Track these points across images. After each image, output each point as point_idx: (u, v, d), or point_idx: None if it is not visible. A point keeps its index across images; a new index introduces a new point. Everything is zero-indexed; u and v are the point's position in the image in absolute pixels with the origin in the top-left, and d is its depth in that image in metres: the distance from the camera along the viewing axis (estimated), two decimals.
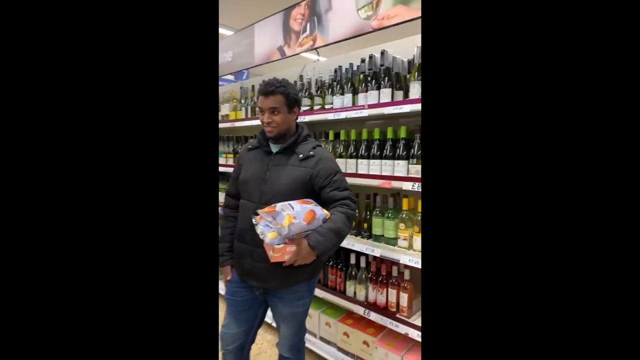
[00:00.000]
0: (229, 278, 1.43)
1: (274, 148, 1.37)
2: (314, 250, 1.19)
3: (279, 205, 1.18)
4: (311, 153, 1.32)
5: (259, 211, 1.20)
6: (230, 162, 2.65)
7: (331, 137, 1.90)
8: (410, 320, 1.56)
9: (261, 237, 1.18)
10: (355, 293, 1.80)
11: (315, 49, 2.02)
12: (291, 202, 1.21)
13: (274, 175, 1.31)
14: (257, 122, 2.31)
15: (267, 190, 1.30)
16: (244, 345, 1.45)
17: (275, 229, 1.15)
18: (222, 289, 2.49)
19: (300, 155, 1.31)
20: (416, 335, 1.51)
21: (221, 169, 2.66)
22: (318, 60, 2.34)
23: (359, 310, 1.74)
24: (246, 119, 2.50)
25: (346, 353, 1.86)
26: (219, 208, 1.86)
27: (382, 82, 1.59)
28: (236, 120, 2.56)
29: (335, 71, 1.90)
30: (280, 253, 1.16)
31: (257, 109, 2.17)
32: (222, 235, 1.46)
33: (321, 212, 1.22)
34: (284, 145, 1.34)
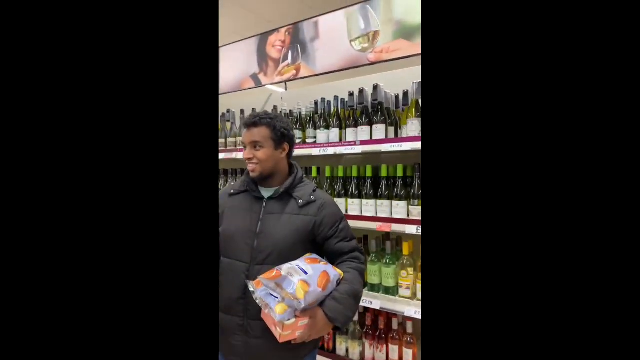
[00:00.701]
0: None
1: (266, 193, 1.15)
2: (332, 323, 0.97)
3: (284, 268, 0.95)
4: (312, 197, 1.12)
5: (261, 277, 0.95)
6: None
7: (314, 173, 1.72)
8: None
9: (266, 310, 0.92)
10: (347, 351, 1.58)
11: (300, 78, 1.87)
12: (298, 263, 0.99)
13: (269, 226, 1.08)
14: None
15: (261, 247, 1.06)
16: None
17: (286, 301, 0.91)
18: None
19: (300, 201, 1.11)
20: None
21: None
22: (285, 91, 2.19)
23: None
24: None
25: None
26: None
27: (374, 117, 1.49)
28: None
29: (316, 103, 1.76)
30: (291, 330, 0.92)
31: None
32: None
33: (334, 272, 1.02)
34: (280, 190, 1.12)
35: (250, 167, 1.12)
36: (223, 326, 1.05)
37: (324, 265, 1.01)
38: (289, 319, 0.91)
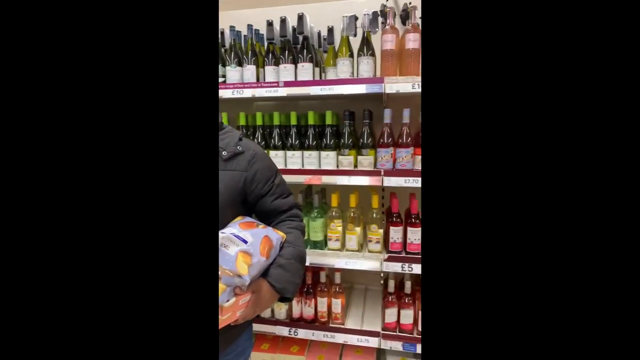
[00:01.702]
0: None
1: None
2: (279, 294, 0.83)
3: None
4: (239, 148, 0.90)
5: None
6: None
7: (225, 120, 1.44)
8: (346, 326, 1.42)
9: None
10: (273, 312, 1.50)
11: None
12: (232, 230, 0.79)
13: None
14: None
15: None
16: None
17: (224, 280, 0.71)
18: None
19: (224, 153, 0.88)
20: (355, 340, 1.39)
21: None
22: None
23: (283, 331, 1.46)
24: None
25: None
26: None
27: (299, 55, 1.28)
28: None
29: (223, 34, 1.42)
30: (231, 312, 0.74)
31: None
32: None
33: (276, 236, 0.86)
34: None
35: None
36: None
37: (263, 230, 0.84)
38: (227, 300, 0.73)
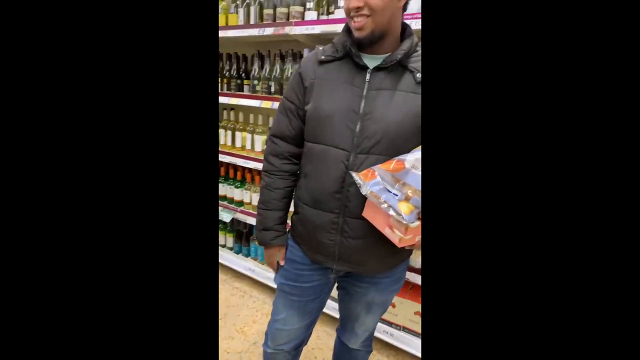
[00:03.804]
0: (282, 263, 0.98)
1: (371, 61, 0.84)
2: None
3: (408, 160, 0.73)
4: None
5: (377, 168, 0.73)
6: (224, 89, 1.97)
7: None
8: None
9: (382, 207, 0.72)
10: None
11: None
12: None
13: (378, 106, 0.81)
14: (264, 31, 1.64)
15: (366, 132, 0.81)
16: (302, 343, 1.06)
17: (413, 200, 0.70)
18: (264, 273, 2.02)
19: (419, 75, 0.82)
20: None
21: None
22: None
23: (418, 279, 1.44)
24: (246, 26, 1.79)
25: (390, 324, 1.60)
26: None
27: None
28: (227, 27, 1.83)
29: None
30: (413, 234, 0.73)
31: None
32: (267, 200, 0.95)
33: None
34: (393, 58, 0.82)
35: (357, 22, 0.78)
36: (312, 223, 0.88)
37: None
38: (413, 222, 0.71)
